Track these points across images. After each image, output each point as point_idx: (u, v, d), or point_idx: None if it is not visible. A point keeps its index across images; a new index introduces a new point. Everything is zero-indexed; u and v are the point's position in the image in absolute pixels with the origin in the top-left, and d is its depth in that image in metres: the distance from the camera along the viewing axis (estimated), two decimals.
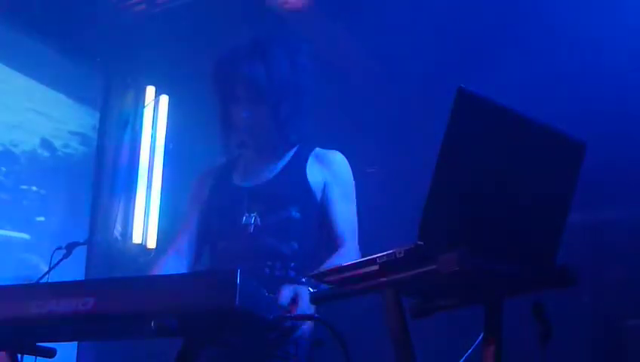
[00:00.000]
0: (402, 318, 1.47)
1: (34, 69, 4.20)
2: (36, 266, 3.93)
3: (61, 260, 3.20)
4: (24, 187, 4.12)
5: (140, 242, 4.55)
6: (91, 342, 3.75)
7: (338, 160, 2.49)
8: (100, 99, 4.68)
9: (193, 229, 2.53)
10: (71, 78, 4.47)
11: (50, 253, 3.22)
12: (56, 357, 1.87)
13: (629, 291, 3.52)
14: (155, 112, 4.76)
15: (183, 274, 2.21)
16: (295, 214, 2.36)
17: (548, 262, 1.57)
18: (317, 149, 2.51)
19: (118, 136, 4.68)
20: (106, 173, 4.63)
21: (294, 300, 1.96)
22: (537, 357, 1.52)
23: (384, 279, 1.46)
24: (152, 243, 4.55)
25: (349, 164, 2.50)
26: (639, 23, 3.69)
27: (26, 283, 2.33)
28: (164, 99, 4.78)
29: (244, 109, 2.41)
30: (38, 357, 1.87)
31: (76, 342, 3.80)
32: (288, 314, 1.88)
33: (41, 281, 2.97)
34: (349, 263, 1.54)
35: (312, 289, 2.03)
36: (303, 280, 2.10)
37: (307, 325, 2.07)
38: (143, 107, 4.73)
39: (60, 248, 3.24)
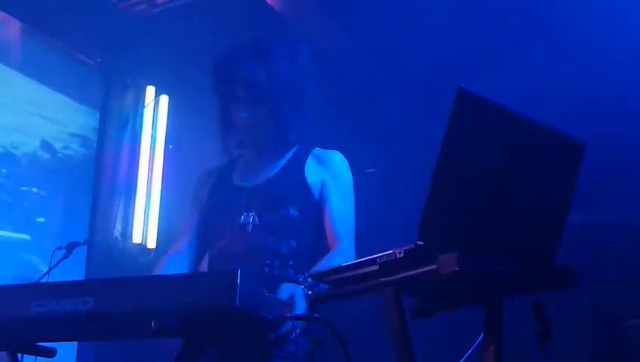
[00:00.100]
0: (402, 318, 1.47)
1: (34, 69, 4.19)
2: (36, 267, 3.93)
3: (61, 260, 3.19)
4: (24, 188, 4.12)
5: (140, 242, 4.55)
6: (91, 342, 3.75)
7: (337, 159, 2.49)
8: (100, 99, 4.68)
9: (193, 230, 2.53)
10: (71, 78, 4.46)
11: (50, 254, 3.21)
12: (56, 357, 1.87)
13: (629, 291, 3.52)
14: (155, 112, 4.75)
15: (183, 275, 2.21)
16: (294, 213, 2.36)
17: (548, 262, 1.57)
18: (316, 149, 2.51)
19: (118, 136, 4.69)
20: (106, 172, 4.62)
21: (290, 300, 1.97)
22: (537, 357, 1.52)
23: (384, 279, 1.47)
24: (152, 243, 4.55)
25: (349, 164, 2.50)
26: (639, 22, 3.69)
27: (26, 283, 2.33)
28: (164, 99, 4.78)
29: (244, 109, 2.42)
30: (38, 357, 1.87)
31: (76, 342, 3.80)
32: (288, 314, 1.88)
33: (41, 281, 2.97)
34: (349, 263, 1.54)
35: (307, 291, 2.04)
36: (300, 279, 2.10)
37: (306, 325, 2.07)
38: (143, 107, 4.73)
39: (60, 248, 3.24)
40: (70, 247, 3.25)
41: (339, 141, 2.59)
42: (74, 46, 4.39)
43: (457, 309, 1.70)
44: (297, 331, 1.94)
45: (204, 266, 2.53)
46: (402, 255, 1.40)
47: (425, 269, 1.40)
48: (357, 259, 1.54)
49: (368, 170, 3.76)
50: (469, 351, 1.70)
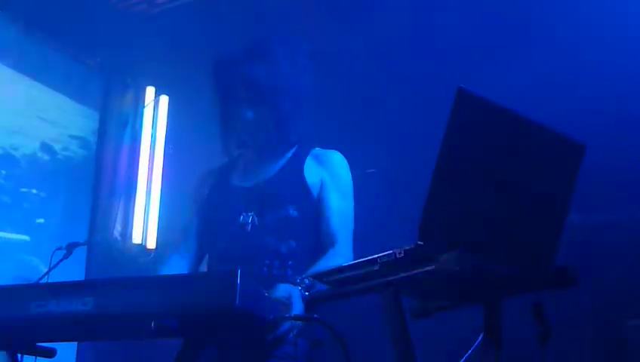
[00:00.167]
0: (402, 318, 1.47)
1: (33, 69, 4.20)
2: (36, 268, 3.93)
3: (61, 260, 3.19)
4: (24, 190, 4.12)
5: (139, 242, 4.55)
6: (91, 342, 3.75)
7: (336, 159, 2.49)
8: (100, 99, 4.68)
9: (193, 230, 2.53)
10: (71, 79, 4.47)
11: (49, 254, 3.21)
12: (56, 357, 1.87)
13: (629, 291, 3.51)
14: (155, 112, 4.76)
15: (183, 275, 2.21)
16: (293, 213, 2.36)
17: (547, 262, 1.57)
18: (316, 149, 2.51)
19: (118, 136, 4.69)
20: (106, 172, 4.63)
21: (287, 300, 1.97)
22: (537, 357, 1.52)
23: (384, 279, 1.47)
24: (151, 244, 4.56)
25: (349, 164, 2.50)
26: (639, 22, 3.69)
27: (25, 283, 2.33)
28: (164, 99, 4.78)
29: (246, 109, 2.41)
30: (38, 357, 1.87)
31: (76, 342, 3.80)
32: (288, 315, 1.88)
33: (41, 281, 2.97)
34: (349, 263, 1.54)
35: (304, 293, 2.04)
36: (297, 280, 2.10)
37: (305, 325, 2.07)
38: (143, 107, 4.74)
39: (59, 248, 3.23)
40: (70, 248, 3.25)
41: (339, 141, 2.59)
42: (74, 46, 4.39)
43: (457, 309, 1.70)
44: (294, 331, 1.94)
45: (204, 266, 2.53)
46: (402, 255, 1.40)
47: (425, 269, 1.40)
48: (356, 259, 1.54)
49: (368, 170, 3.76)
50: (469, 351, 1.70)
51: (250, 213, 2.37)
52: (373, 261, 1.46)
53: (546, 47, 3.80)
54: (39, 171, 4.21)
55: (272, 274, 2.27)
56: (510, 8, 3.80)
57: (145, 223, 4.58)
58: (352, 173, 2.49)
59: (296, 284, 2.07)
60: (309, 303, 2.01)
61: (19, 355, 1.80)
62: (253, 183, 2.46)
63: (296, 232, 2.34)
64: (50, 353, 1.85)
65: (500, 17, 3.82)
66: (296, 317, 1.92)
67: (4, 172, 4.00)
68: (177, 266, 2.45)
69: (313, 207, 2.39)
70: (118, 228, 4.52)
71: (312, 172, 2.44)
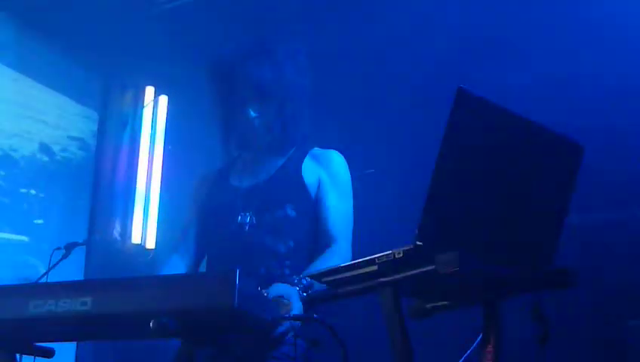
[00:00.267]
0: (401, 318, 1.47)
1: (32, 69, 4.19)
2: (35, 268, 3.93)
3: (60, 260, 3.19)
4: (23, 190, 4.12)
5: (139, 242, 4.55)
6: (90, 342, 3.75)
7: (335, 159, 2.49)
8: (99, 99, 4.68)
9: (193, 230, 2.53)
10: (70, 79, 4.46)
11: (48, 255, 3.21)
12: (54, 357, 1.87)
13: (629, 291, 3.51)
14: (155, 112, 4.75)
15: (181, 275, 2.21)
16: (290, 212, 2.35)
17: (547, 262, 1.57)
18: (314, 149, 2.51)
19: (118, 136, 4.68)
20: (106, 172, 4.62)
21: (286, 300, 1.97)
22: (537, 358, 1.52)
23: (383, 279, 1.46)
24: (151, 244, 4.55)
25: (348, 164, 2.50)
26: (639, 22, 3.69)
27: (24, 283, 2.33)
28: (164, 99, 4.78)
29: (250, 109, 2.40)
30: (36, 357, 1.87)
31: (75, 342, 3.80)
32: (287, 315, 1.88)
33: (40, 281, 2.97)
34: (348, 264, 1.54)
35: (302, 293, 2.04)
36: (295, 280, 2.09)
37: (303, 325, 2.06)
38: (142, 107, 4.73)
39: (58, 248, 3.23)
40: (69, 248, 3.24)
41: (338, 141, 2.59)
42: (73, 46, 4.39)
43: (457, 309, 1.70)
44: (293, 332, 1.93)
45: (203, 267, 2.52)
46: (401, 255, 1.40)
47: (424, 269, 1.39)
48: (355, 259, 1.54)
49: (367, 170, 3.75)
50: (469, 351, 1.70)
51: (248, 213, 2.36)
52: (372, 261, 1.46)
53: (545, 47, 3.81)
54: (38, 172, 4.21)
55: (270, 273, 2.26)
56: (510, 8, 3.79)
57: (144, 223, 4.57)
58: (351, 174, 2.48)
59: (294, 284, 2.07)
60: (308, 303, 2.00)
61: (17, 355, 1.80)
62: (252, 183, 2.46)
63: (294, 232, 2.34)
64: (49, 353, 1.85)
65: (499, 17, 3.81)
66: (296, 317, 1.91)
67: (3, 173, 3.99)
68: (176, 266, 2.45)
69: (311, 206, 2.39)
70: (117, 228, 4.52)
71: (310, 172, 2.43)
